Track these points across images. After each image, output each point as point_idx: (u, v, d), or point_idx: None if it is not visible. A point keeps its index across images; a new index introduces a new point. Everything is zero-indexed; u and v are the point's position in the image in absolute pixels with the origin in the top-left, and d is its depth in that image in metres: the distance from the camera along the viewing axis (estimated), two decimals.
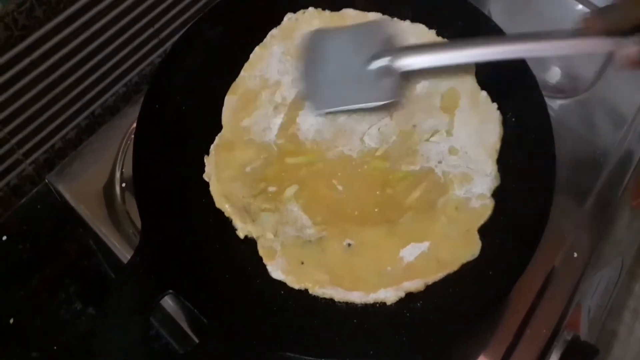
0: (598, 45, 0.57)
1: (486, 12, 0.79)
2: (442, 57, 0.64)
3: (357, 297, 0.58)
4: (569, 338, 0.64)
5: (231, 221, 0.62)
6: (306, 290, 0.59)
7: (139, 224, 0.68)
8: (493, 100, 0.68)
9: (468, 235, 0.61)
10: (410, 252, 0.60)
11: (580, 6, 0.85)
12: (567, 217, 0.71)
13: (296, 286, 0.59)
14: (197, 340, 0.64)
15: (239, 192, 0.63)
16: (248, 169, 0.64)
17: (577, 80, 0.84)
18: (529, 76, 0.67)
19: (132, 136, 0.74)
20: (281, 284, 0.59)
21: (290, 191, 0.63)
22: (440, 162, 0.65)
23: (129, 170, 0.73)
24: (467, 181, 0.64)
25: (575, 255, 0.69)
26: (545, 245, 0.59)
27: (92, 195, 0.71)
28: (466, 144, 0.66)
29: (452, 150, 0.66)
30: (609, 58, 0.84)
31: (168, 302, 0.65)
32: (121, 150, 0.74)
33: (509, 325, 0.64)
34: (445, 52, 0.64)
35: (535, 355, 0.63)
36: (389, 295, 0.58)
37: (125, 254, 0.68)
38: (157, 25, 0.83)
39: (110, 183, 0.72)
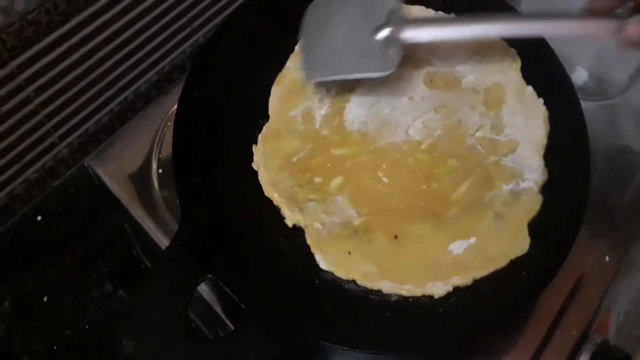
0: (602, 27, 0.57)
1: None
2: (448, 32, 0.64)
3: (407, 290, 0.58)
4: (598, 341, 0.64)
5: (277, 210, 0.62)
6: (341, 282, 0.59)
7: (174, 209, 0.70)
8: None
9: (517, 230, 0.60)
10: (458, 247, 0.60)
11: None
12: (600, 220, 0.70)
13: (344, 277, 0.59)
14: (232, 327, 0.64)
15: (286, 182, 0.63)
16: (294, 159, 0.65)
17: (607, 84, 0.83)
18: (561, 72, 0.67)
19: (169, 123, 0.75)
20: (317, 274, 0.60)
21: (335, 182, 0.63)
22: (486, 157, 0.65)
23: (165, 156, 0.73)
24: (514, 176, 0.63)
25: (607, 259, 0.69)
26: (578, 248, 0.59)
27: (130, 179, 0.72)
28: (513, 140, 0.65)
29: (498, 146, 0.65)
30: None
31: (202, 288, 0.65)
32: (158, 136, 0.75)
33: (539, 325, 0.64)
34: (452, 26, 0.64)
35: (564, 357, 0.63)
36: (438, 289, 0.58)
37: (160, 237, 0.69)
38: (189, 15, 0.83)
39: (147, 168, 0.73)
